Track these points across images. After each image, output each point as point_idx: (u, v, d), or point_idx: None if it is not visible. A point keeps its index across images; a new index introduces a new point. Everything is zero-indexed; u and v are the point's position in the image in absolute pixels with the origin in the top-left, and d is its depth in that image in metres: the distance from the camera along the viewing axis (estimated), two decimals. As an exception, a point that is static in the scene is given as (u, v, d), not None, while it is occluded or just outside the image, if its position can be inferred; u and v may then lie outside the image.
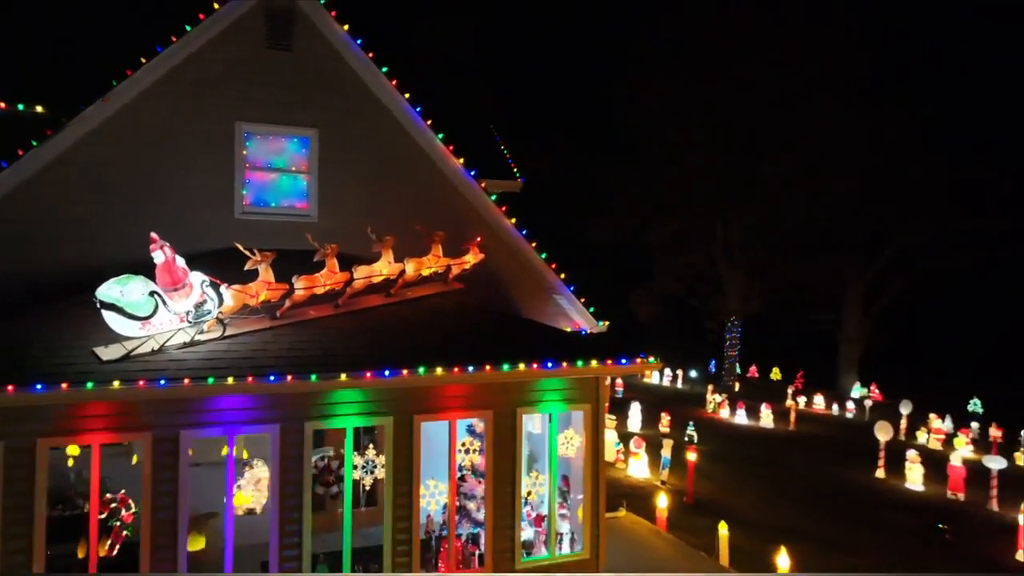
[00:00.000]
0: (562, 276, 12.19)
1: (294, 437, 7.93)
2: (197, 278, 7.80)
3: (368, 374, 7.75)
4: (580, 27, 51.03)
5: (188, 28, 10.28)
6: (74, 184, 9.76)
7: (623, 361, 8.93)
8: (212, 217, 10.39)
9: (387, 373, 7.82)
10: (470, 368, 8.17)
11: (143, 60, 10.06)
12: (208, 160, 10.50)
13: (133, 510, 7.71)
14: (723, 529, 11.71)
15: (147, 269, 7.92)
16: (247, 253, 8.35)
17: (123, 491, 7.87)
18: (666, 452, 18.44)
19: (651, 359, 9.03)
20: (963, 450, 22.13)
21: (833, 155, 31.30)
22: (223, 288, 8.05)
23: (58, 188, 9.68)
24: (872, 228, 33.32)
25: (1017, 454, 22.14)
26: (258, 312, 8.64)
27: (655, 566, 10.65)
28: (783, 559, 10.30)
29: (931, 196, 30.76)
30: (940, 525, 14.79)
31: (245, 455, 10.04)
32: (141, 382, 6.98)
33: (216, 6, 10.38)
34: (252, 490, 7.84)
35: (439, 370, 8.03)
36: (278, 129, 10.96)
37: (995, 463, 17.13)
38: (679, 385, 38.05)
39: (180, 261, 7.67)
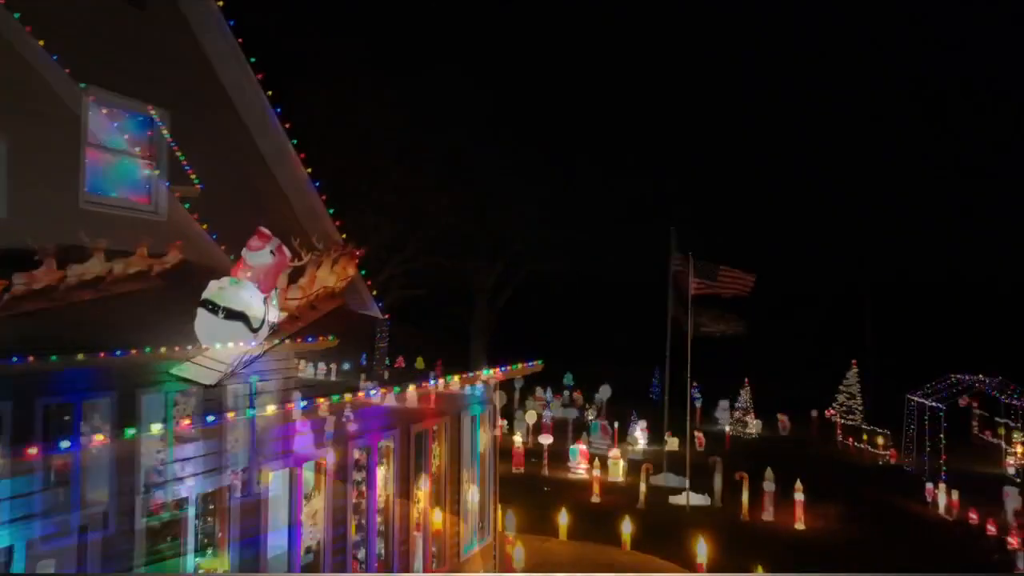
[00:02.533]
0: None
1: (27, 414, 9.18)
2: (-75, 275, 8.60)
3: (102, 354, 9.38)
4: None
5: None
6: None
7: (310, 339, 11.72)
8: None
9: (118, 352, 9.53)
10: (189, 347, 10.22)
11: None
12: None
13: None
14: (381, 471, 15.14)
15: None
16: (-28, 253, 9.26)
17: None
18: (329, 429, 21.37)
19: (331, 337, 11.95)
20: (557, 411, 28.95)
21: (463, 174, 37.30)
22: (-53, 284, 8.92)
23: None
24: (493, 236, 40.38)
25: (589, 410, 29.88)
26: (-26, 306, 9.52)
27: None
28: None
29: (536, 211, 38.68)
30: (533, 459, 20.48)
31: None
32: None
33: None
34: (-16, 461, 8.88)
35: (163, 349, 9.95)
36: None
37: (571, 414, 23.58)
38: (333, 377, 40.99)
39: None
